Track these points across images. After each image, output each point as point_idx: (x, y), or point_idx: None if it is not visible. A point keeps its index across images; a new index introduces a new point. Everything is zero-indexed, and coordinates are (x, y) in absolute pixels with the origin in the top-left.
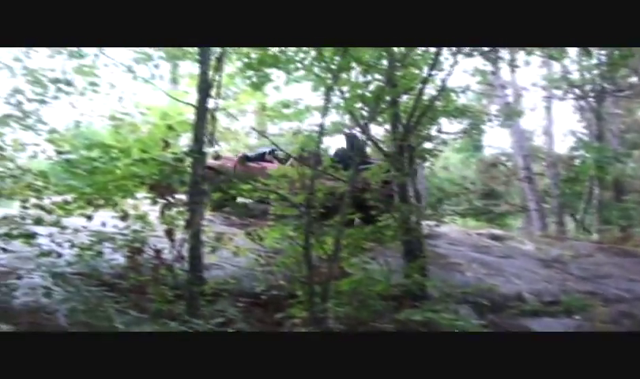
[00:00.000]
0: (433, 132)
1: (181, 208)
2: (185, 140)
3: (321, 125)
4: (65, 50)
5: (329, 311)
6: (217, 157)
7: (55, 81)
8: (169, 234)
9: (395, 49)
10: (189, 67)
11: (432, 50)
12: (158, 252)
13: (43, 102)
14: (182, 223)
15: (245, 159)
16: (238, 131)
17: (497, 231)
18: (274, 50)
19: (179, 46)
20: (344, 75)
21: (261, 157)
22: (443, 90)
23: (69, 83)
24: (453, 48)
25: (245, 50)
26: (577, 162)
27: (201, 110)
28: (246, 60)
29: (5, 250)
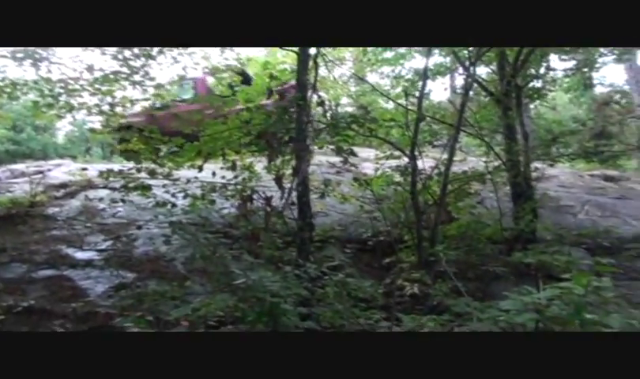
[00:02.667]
0: (542, 70)
1: (287, 157)
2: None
3: (425, 68)
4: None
5: (439, 255)
6: None
7: None
8: (279, 181)
9: None
10: None
11: None
12: (268, 199)
13: (148, 57)
14: (289, 171)
15: None
16: (337, 79)
17: (611, 172)
18: None
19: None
20: None
21: None
22: None
23: None
24: None
25: None
26: None
27: (303, 57)
28: None
29: (124, 202)
